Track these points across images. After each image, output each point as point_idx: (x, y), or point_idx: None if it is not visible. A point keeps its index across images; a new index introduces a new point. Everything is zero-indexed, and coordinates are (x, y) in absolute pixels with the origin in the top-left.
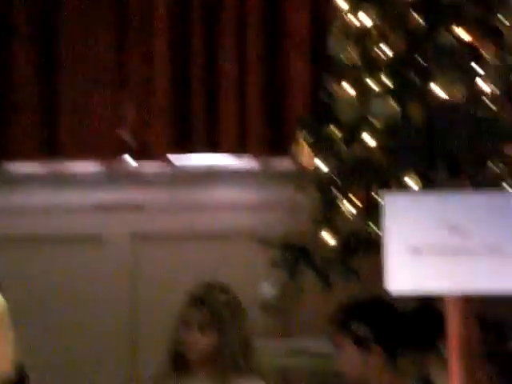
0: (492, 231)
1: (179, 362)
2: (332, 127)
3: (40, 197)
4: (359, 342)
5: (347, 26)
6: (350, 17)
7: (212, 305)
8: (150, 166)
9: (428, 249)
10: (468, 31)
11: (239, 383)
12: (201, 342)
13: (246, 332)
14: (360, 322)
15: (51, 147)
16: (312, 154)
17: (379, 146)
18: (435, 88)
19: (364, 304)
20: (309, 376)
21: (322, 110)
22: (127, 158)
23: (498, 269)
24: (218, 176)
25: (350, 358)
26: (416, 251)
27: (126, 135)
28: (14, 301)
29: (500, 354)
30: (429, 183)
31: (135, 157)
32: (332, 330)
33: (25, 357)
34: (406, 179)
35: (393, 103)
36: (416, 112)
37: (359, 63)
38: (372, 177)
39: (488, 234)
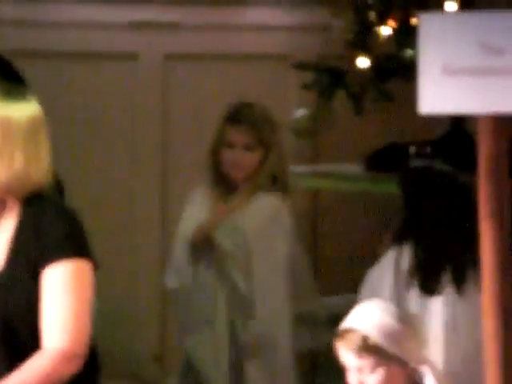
0: None
1: (220, 180)
2: None
3: (72, 12)
4: None
5: None
6: None
7: (254, 122)
8: None
9: (462, 70)
10: None
11: (266, 199)
12: (245, 159)
13: (283, 149)
14: None
15: None
16: None
17: None
18: None
19: None
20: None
21: None
22: None
23: None
24: None
25: None
26: (450, 72)
27: None
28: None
29: None
30: (468, 5)
31: None
32: None
33: None
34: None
35: None
36: None
37: None
38: None
39: None
